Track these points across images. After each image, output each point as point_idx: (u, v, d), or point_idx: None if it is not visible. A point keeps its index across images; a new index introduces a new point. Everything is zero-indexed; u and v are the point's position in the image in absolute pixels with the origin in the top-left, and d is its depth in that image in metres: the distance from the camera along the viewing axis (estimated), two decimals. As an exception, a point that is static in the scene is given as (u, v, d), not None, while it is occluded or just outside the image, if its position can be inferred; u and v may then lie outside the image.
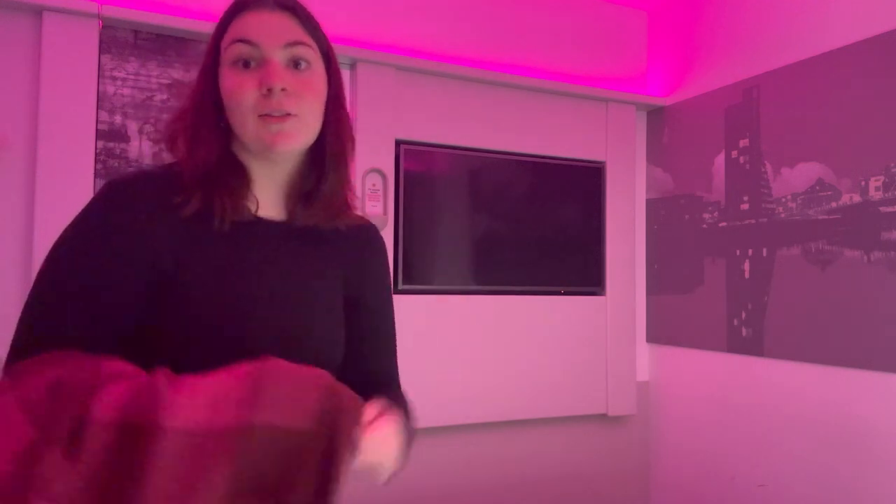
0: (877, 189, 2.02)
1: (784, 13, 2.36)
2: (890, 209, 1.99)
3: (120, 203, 0.83)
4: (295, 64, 0.87)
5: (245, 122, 0.86)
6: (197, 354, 0.81)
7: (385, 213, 2.35)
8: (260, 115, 0.85)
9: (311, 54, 0.89)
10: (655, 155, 2.88)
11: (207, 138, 0.87)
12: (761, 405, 2.36)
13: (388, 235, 2.33)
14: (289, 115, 0.85)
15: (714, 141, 2.59)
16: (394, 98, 2.37)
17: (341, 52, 2.27)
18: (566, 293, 2.68)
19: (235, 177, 0.89)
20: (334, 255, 0.98)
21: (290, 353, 0.79)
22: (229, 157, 0.90)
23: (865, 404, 2.04)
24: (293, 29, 0.88)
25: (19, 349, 0.79)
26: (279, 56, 0.86)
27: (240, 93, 0.85)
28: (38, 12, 1.93)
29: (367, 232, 1.05)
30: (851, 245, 2.08)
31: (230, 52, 0.86)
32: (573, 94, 2.69)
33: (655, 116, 2.89)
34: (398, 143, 2.39)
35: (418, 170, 2.43)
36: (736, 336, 2.45)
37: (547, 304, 2.62)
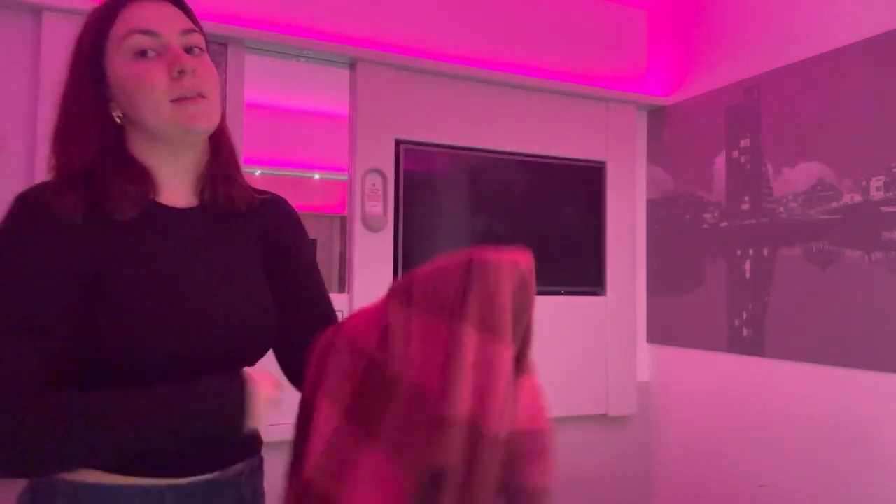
0: (878, 189, 2.02)
1: (785, 12, 2.35)
2: (891, 209, 1.98)
3: (32, 217, 0.83)
4: (189, 50, 0.90)
5: (158, 108, 0.86)
6: (142, 344, 0.83)
7: (385, 213, 2.34)
8: (173, 100, 0.86)
9: (202, 41, 0.93)
10: (656, 155, 2.88)
11: (83, 136, 0.87)
12: (762, 405, 2.36)
13: (387, 235, 2.33)
14: (201, 96, 0.88)
15: (715, 141, 2.58)
16: (394, 98, 2.37)
17: (341, 52, 2.28)
18: (566, 293, 2.68)
19: (126, 174, 0.88)
20: (251, 230, 1.00)
21: (229, 323, 0.89)
22: (119, 152, 0.89)
23: (866, 404, 2.03)
24: (183, 18, 0.92)
25: None
26: (178, 41, 0.89)
27: (149, 80, 0.86)
28: (38, 12, 1.93)
29: (277, 203, 1.06)
30: (852, 245, 2.08)
31: (128, 42, 0.87)
32: (573, 94, 2.69)
33: (656, 116, 2.89)
34: (398, 143, 2.38)
35: (418, 170, 2.43)
36: (737, 336, 2.45)
37: (547, 304, 2.62)
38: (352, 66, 2.33)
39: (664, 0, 2.85)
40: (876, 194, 2.02)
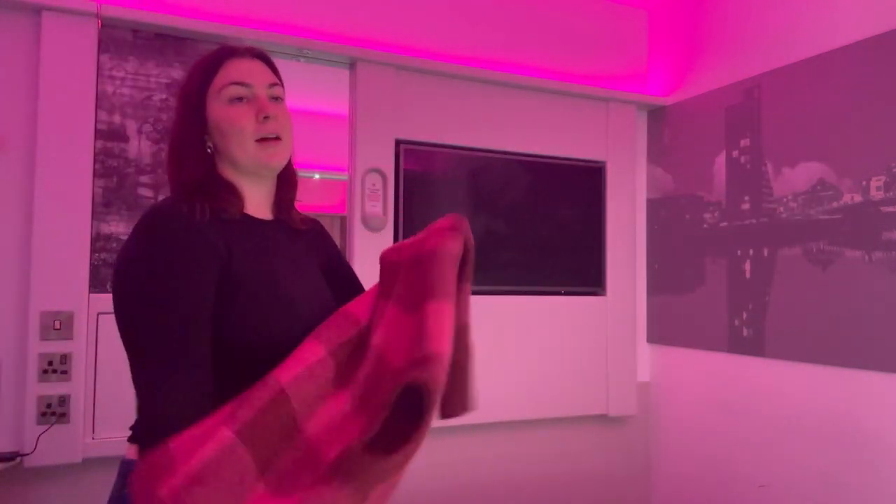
0: (878, 189, 2.02)
1: (785, 12, 2.35)
2: (891, 209, 1.98)
3: (178, 226, 0.98)
4: (273, 99, 1.10)
5: (244, 145, 1.06)
6: (269, 328, 0.99)
7: (385, 213, 2.34)
8: (257, 140, 1.06)
9: (282, 92, 1.13)
10: (656, 155, 2.88)
11: (194, 159, 1.07)
12: (762, 405, 2.36)
13: (387, 235, 2.33)
14: (278, 138, 1.08)
15: (715, 140, 2.58)
16: (394, 98, 2.37)
17: (341, 52, 2.27)
18: (566, 293, 2.68)
19: (226, 188, 1.08)
20: (308, 242, 1.23)
21: (322, 311, 1.05)
22: (215, 174, 1.09)
23: (865, 404, 2.03)
24: (269, 73, 1.11)
25: (174, 384, 0.90)
26: (265, 93, 1.09)
27: (240, 121, 1.06)
28: (38, 11, 1.93)
29: (318, 223, 1.30)
30: (852, 245, 2.07)
31: (227, 91, 1.07)
32: (573, 94, 2.69)
33: (656, 116, 2.89)
34: (398, 143, 2.38)
35: (418, 170, 2.42)
36: (737, 336, 2.44)
37: (547, 304, 2.62)
38: (352, 66, 2.33)
39: (664, 0, 2.85)
40: (876, 194, 2.02)
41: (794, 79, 2.28)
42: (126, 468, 0.96)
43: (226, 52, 1.10)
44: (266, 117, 1.06)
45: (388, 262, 1.09)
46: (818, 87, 2.20)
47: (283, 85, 1.14)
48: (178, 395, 0.89)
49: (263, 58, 1.13)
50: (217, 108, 1.07)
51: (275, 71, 1.13)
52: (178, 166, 1.09)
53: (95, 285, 1.96)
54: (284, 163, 1.12)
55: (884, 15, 2.03)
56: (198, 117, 1.08)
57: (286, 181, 1.17)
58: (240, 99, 1.07)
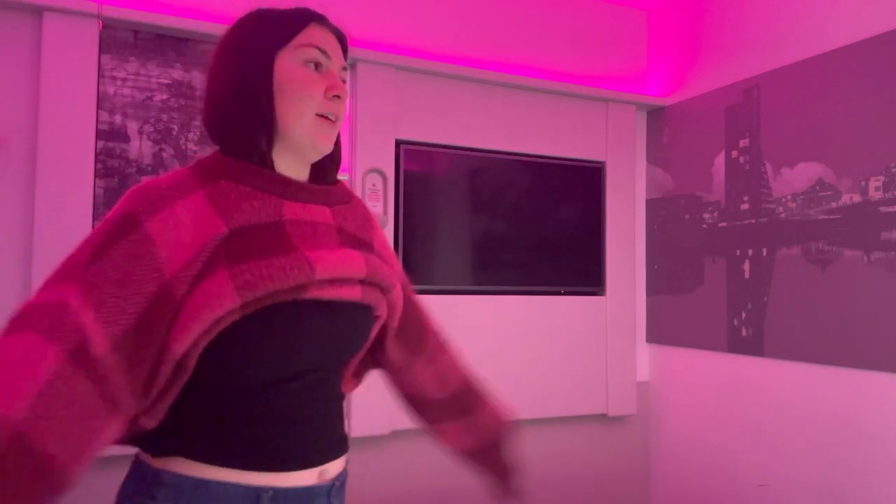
0: (877, 189, 2.02)
1: (784, 13, 2.36)
2: (890, 209, 1.99)
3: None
4: (343, 82, 1.03)
5: (303, 115, 0.97)
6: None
7: (385, 213, 2.35)
8: (317, 114, 0.98)
9: (347, 78, 1.05)
10: (655, 155, 2.88)
11: (259, 118, 0.97)
12: (761, 405, 2.36)
13: (387, 235, 2.33)
14: (336, 120, 1.01)
15: (714, 141, 2.59)
16: (394, 98, 2.37)
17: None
18: (566, 293, 2.68)
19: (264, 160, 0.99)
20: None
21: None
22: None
23: (865, 404, 2.04)
24: (343, 56, 1.05)
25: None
26: (338, 73, 1.02)
27: (311, 87, 0.97)
28: (39, 12, 1.93)
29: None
30: (851, 245, 2.08)
31: (306, 52, 0.98)
32: (573, 94, 2.69)
33: (655, 116, 2.89)
34: (398, 143, 2.39)
35: (418, 170, 2.43)
36: (736, 336, 2.45)
37: (547, 304, 2.62)
38: (352, 66, 2.33)
39: (664, 0, 2.85)
40: (875, 194, 2.02)
41: (794, 79, 2.29)
42: (139, 468, 0.95)
43: (311, 15, 1.02)
44: (336, 96, 0.99)
45: None
46: (817, 87, 2.21)
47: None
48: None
49: (342, 40, 1.06)
50: (290, 66, 0.98)
51: (346, 56, 1.07)
52: (229, 126, 0.98)
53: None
54: (331, 148, 1.03)
55: (883, 15, 2.03)
56: (270, 62, 0.98)
57: (322, 170, 1.07)
58: (317, 66, 0.99)
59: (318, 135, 0.99)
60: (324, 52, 1.00)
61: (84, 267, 0.85)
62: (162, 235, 0.87)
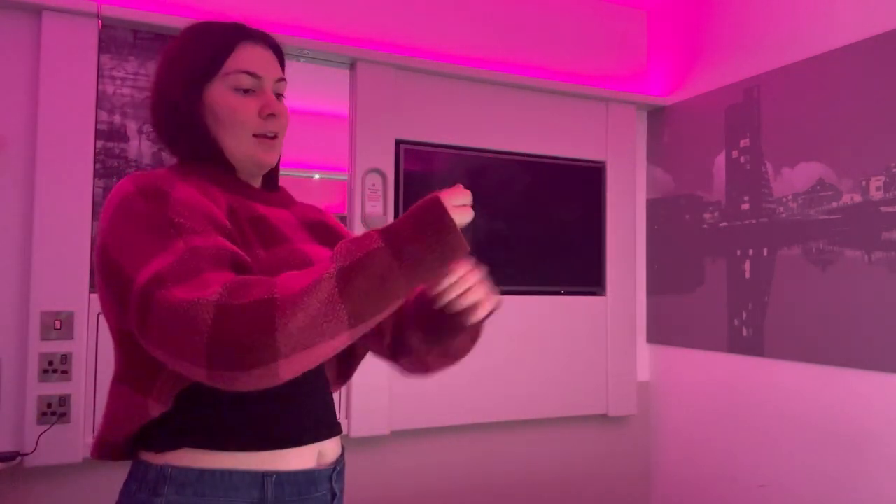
0: (878, 189, 2.02)
1: (785, 13, 2.35)
2: (891, 209, 1.98)
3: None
4: (277, 95, 1.06)
5: (241, 139, 1.01)
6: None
7: (385, 213, 2.34)
8: (255, 135, 1.01)
9: (285, 87, 1.08)
10: (656, 155, 2.88)
11: (196, 139, 1.02)
12: (762, 405, 2.36)
13: (388, 235, 2.33)
14: (276, 136, 1.04)
15: (714, 140, 2.59)
16: (394, 98, 2.37)
17: (341, 52, 2.28)
18: (566, 293, 2.68)
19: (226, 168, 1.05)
20: None
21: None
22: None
23: (865, 404, 2.03)
24: (278, 66, 1.07)
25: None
26: (272, 87, 1.04)
27: (243, 113, 1.00)
28: (38, 12, 1.93)
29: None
30: (852, 245, 2.08)
31: (235, 79, 1.01)
32: (573, 94, 2.69)
33: (656, 116, 2.89)
34: (398, 143, 2.38)
35: (418, 170, 2.43)
36: (736, 336, 2.45)
37: (547, 304, 2.62)
38: (352, 66, 2.33)
39: (664, 0, 2.85)
40: (875, 194, 2.02)
41: (794, 79, 2.29)
42: (140, 468, 0.94)
43: (240, 34, 1.04)
44: (270, 115, 1.02)
45: None
46: (818, 87, 2.20)
47: (285, 79, 1.09)
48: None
49: (276, 48, 1.07)
50: (220, 94, 1.01)
51: (283, 64, 1.09)
52: (174, 141, 1.04)
53: (96, 285, 1.96)
54: (276, 161, 1.07)
55: (884, 15, 2.03)
56: (198, 94, 1.01)
57: (269, 180, 1.12)
58: (246, 91, 1.01)
59: (258, 154, 1.03)
60: (253, 74, 1.01)
61: (168, 230, 0.86)
62: (193, 193, 0.92)
